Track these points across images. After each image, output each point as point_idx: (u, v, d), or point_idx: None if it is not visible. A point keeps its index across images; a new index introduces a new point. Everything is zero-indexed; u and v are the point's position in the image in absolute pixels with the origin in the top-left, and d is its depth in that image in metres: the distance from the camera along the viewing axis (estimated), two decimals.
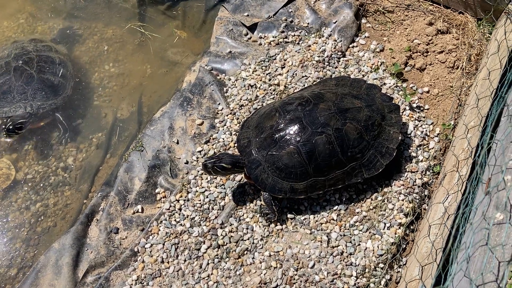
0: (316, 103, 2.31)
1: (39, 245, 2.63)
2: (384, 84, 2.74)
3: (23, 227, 2.69)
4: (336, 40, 2.93)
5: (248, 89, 2.79)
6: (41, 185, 2.83)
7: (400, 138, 2.38)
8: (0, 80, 2.98)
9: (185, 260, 2.30)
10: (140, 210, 2.48)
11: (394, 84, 2.74)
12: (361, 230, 2.34)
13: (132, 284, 2.25)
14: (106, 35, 3.47)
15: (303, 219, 2.39)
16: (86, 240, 2.43)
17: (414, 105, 2.68)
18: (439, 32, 2.88)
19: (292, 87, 2.76)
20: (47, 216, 2.72)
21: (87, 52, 3.40)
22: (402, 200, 2.38)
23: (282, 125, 2.29)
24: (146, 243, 2.35)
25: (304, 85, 2.75)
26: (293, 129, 2.26)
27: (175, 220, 2.42)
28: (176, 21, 3.43)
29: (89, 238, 2.44)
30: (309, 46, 2.91)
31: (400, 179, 2.44)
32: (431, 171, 2.48)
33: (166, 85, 3.17)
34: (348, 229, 2.35)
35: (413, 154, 2.52)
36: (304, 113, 2.28)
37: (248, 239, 2.35)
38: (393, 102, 2.51)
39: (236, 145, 2.42)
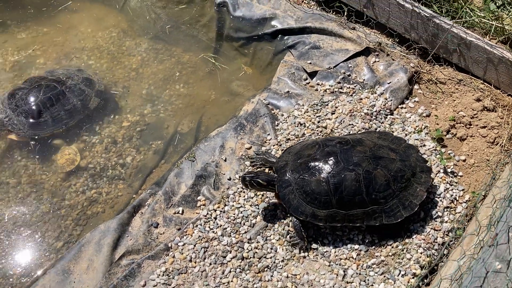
0: (354, 145, 2.54)
1: (86, 226, 2.94)
2: (424, 145, 2.93)
3: (76, 208, 3.02)
4: (386, 99, 3.17)
5: (297, 126, 3.07)
6: (99, 175, 3.18)
7: (424, 196, 2.53)
8: (25, 89, 3.37)
9: (210, 264, 2.52)
10: (180, 212, 2.75)
11: (433, 147, 2.92)
12: (376, 273, 2.48)
13: (159, 275, 2.49)
14: (183, 59, 3.90)
15: (324, 251, 2.56)
16: (128, 228, 2.71)
17: (449, 170, 2.84)
18: (485, 109, 3.06)
19: (338, 132, 3.01)
20: (99, 203, 3.04)
21: (164, 70, 3.82)
22: (421, 253, 2.51)
23: (318, 155, 2.52)
24: (180, 242, 2.60)
25: (349, 132, 2.99)
26: (327, 160, 2.49)
27: (209, 227, 2.66)
28: (246, 58, 3.81)
29: (131, 226, 2.72)
30: (361, 99, 3.17)
31: (423, 234, 2.58)
32: (454, 233, 2.61)
33: (225, 111, 3.50)
34: (365, 269, 2.50)
35: (439, 214, 2.66)
36: (341, 150, 2.51)
37: (271, 258, 2.54)
38: (427, 164, 2.68)
39: (274, 165, 2.67)
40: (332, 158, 2.49)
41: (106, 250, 2.58)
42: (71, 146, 3.28)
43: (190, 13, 4.12)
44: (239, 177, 2.86)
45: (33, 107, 3.28)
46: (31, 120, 3.28)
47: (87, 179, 3.15)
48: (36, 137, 3.29)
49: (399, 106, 3.19)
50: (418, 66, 3.35)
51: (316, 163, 2.50)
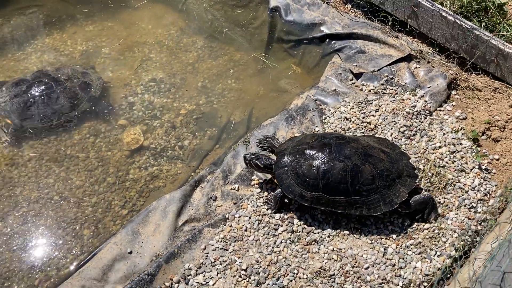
0: (349, 142, 2.81)
1: (149, 197, 3.26)
2: (461, 144, 3.19)
3: (139, 182, 3.35)
4: (426, 101, 3.45)
5: (343, 120, 3.36)
6: (160, 154, 3.51)
7: (405, 197, 2.74)
8: (27, 81, 3.74)
9: (263, 234, 2.81)
10: (236, 189, 3.05)
11: (469, 146, 3.18)
12: (414, 252, 2.73)
13: (218, 240, 2.79)
14: (235, 57, 4.24)
15: (367, 231, 2.83)
16: (190, 199, 3.02)
17: (483, 167, 3.08)
18: None
19: (382, 128, 3.29)
20: (160, 178, 3.37)
21: (217, 66, 4.16)
22: (456, 237, 2.76)
23: (315, 145, 2.81)
24: (236, 214, 2.90)
25: (391, 128, 3.27)
26: (322, 150, 2.77)
27: (262, 203, 2.95)
28: (295, 59, 4.13)
29: (193, 198, 3.03)
30: (403, 100, 3.46)
31: (458, 221, 2.83)
32: (486, 223, 2.85)
33: (273, 106, 3.81)
34: (403, 248, 2.75)
35: (473, 204, 2.91)
36: (336, 143, 2.79)
37: (318, 233, 2.82)
38: (415, 172, 2.87)
39: (276, 149, 2.99)
40: (326, 148, 2.77)
41: (171, 216, 2.89)
42: (136, 128, 3.63)
43: (244, 16, 4.47)
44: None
45: (25, 100, 3.64)
46: (19, 111, 3.62)
47: (149, 157, 3.48)
48: (23, 127, 3.62)
49: (438, 109, 3.46)
50: (456, 74, 3.62)
51: (311, 151, 2.78)
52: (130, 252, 2.77)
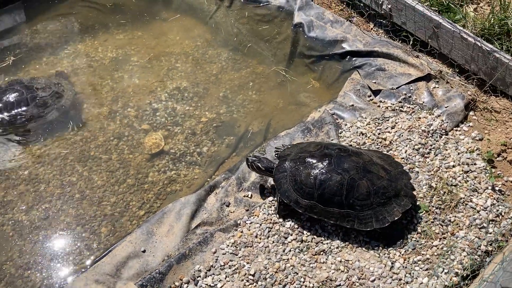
0: (351, 155, 2.87)
1: (165, 200, 3.37)
2: (475, 164, 3.20)
3: (157, 185, 3.47)
4: (443, 120, 3.47)
5: (359, 135, 3.41)
6: (179, 159, 3.63)
7: (398, 217, 2.77)
8: (1, 89, 3.95)
9: (273, 242, 2.87)
10: (249, 196, 3.13)
11: (483, 166, 3.19)
12: (421, 268, 2.75)
13: (228, 245, 2.86)
14: (257, 70, 4.35)
15: (375, 245, 2.86)
16: (204, 204, 3.11)
17: (497, 188, 3.09)
18: None
19: (396, 144, 3.33)
20: (177, 182, 3.48)
21: (239, 78, 4.29)
22: (464, 256, 2.77)
23: (316, 154, 2.88)
24: (248, 220, 2.98)
25: (406, 145, 3.30)
26: (322, 160, 2.83)
27: (272, 211, 3.02)
28: (314, 74, 4.22)
29: (207, 203, 3.13)
30: (419, 118, 3.49)
31: (467, 240, 2.83)
32: (496, 244, 2.84)
33: (291, 118, 3.89)
34: (411, 264, 2.77)
35: (484, 225, 2.91)
36: (337, 155, 2.85)
37: (327, 244, 2.87)
38: (414, 193, 2.92)
39: (279, 153, 3.09)
40: (326, 159, 2.83)
41: (185, 219, 2.99)
42: (157, 132, 3.77)
43: (269, 31, 4.60)
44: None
45: None
46: None
47: (169, 162, 3.61)
48: None
49: (454, 128, 3.48)
50: (475, 95, 3.64)
51: (312, 160, 2.86)
52: (144, 251, 2.87)
